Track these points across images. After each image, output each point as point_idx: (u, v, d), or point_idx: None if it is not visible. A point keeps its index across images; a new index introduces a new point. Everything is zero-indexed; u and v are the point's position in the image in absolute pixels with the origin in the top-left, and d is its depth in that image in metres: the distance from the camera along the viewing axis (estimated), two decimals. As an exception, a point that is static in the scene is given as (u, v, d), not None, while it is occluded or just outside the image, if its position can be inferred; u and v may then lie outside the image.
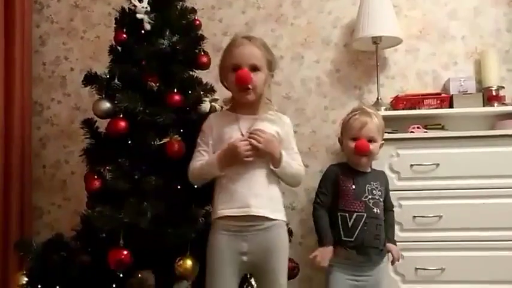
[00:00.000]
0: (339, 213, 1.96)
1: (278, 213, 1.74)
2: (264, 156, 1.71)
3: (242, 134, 1.73)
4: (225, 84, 1.82)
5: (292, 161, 1.78)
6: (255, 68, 1.74)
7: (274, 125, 1.79)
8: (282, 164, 1.73)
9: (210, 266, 1.70)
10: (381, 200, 2.01)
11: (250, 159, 1.68)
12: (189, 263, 1.78)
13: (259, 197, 1.69)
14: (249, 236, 1.68)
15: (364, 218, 1.92)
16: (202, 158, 1.76)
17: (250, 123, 1.76)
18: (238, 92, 1.75)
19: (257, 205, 1.68)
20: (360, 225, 1.92)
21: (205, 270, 1.73)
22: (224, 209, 1.70)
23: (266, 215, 1.69)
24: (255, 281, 1.79)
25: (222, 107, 2.04)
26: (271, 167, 1.73)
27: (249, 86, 1.72)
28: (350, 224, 1.92)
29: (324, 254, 1.92)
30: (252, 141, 1.68)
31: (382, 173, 2.12)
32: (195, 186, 1.82)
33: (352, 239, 1.91)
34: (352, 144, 1.97)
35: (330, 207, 2.01)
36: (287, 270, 1.76)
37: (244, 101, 1.76)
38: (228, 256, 1.68)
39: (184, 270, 1.78)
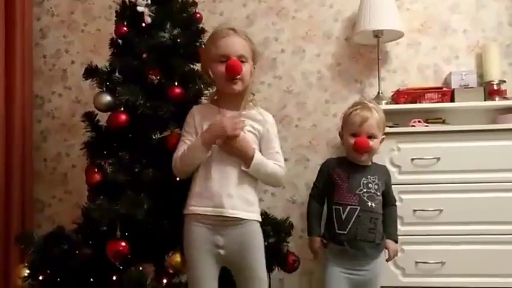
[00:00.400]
0: (333, 206, 1.96)
1: (251, 214, 1.72)
2: (234, 153, 1.69)
3: None
4: (209, 75, 1.79)
5: (269, 161, 1.75)
6: (242, 59, 1.73)
7: (255, 123, 1.77)
8: (253, 164, 1.69)
9: (189, 257, 1.71)
10: (378, 194, 1.99)
11: (237, 132, 1.67)
12: (177, 256, 1.78)
13: (233, 197, 1.68)
14: (223, 231, 1.68)
15: (357, 211, 1.92)
16: (185, 145, 1.74)
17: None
18: (225, 82, 1.72)
19: (231, 206, 1.67)
20: (353, 218, 1.91)
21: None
22: (196, 206, 1.69)
23: (239, 216, 1.68)
24: (234, 277, 1.76)
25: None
26: (242, 168, 1.70)
27: (238, 76, 1.70)
28: (343, 217, 1.92)
29: (311, 245, 2.02)
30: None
31: (383, 167, 2.11)
32: (179, 177, 1.79)
33: (345, 232, 1.91)
34: (352, 140, 1.96)
35: (327, 201, 2.03)
36: (284, 263, 1.77)
37: (231, 91, 1.73)
38: (205, 247, 1.67)
39: (176, 262, 1.78)
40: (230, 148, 1.69)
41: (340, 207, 1.94)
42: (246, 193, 1.72)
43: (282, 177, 1.81)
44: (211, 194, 1.67)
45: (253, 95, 1.85)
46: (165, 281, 1.80)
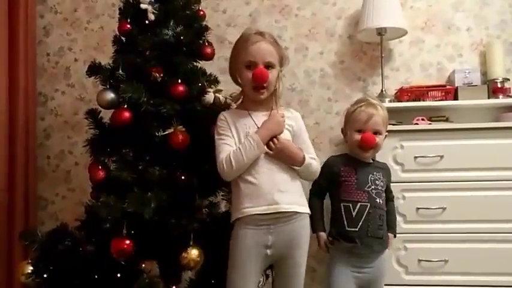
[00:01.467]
0: (342, 204, 1.96)
1: (304, 207, 1.77)
2: (283, 160, 1.74)
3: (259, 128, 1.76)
4: (237, 79, 1.83)
5: (314, 162, 1.81)
6: (269, 66, 1.76)
7: (288, 120, 1.81)
8: (304, 165, 1.75)
9: (235, 261, 1.71)
10: (383, 190, 2.02)
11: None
12: (194, 253, 1.78)
13: (285, 192, 1.70)
14: (274, 229, 1.69)
15: (368, 208, 1.93)
16: (230, 148, 1.73)
17: (264, 120, 1.78)
18: (252, 90, 1.77)
19: (285, 201, 1.69)
20: (364, 215, 1.92)
21: (228, 264, 1.74)
22: (250, 207, 1.69)
23: (295, 210, 1.71)
24: (276, 272, 1.79)
25: (226, 98, 2.04)
26: (293, 167, 1.76)
27: (264, 84, 1.74)
28: (354, 214, 1.93)
29: (319, 241, 2.04)
30: (271, 147, 1.72)
31: (385, 164, 2.12)
32: (227, 180, 1.79)
33: (357, 229, 1.92)
34: (358, 137, 1.96)
35: (332, 198, 2.03)
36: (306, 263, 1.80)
37: (256, 99, 1.78)
38: (254, 251, 1.69)
39: (190, 260, 1.79)
40: (282, 156, 1.73)
41: (350, 204, 1.94)
42: (295, 187, 1.77)
43: (319, 170, 1.87)
44: (262, 193, 1.68)
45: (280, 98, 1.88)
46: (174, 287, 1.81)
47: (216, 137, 1.79)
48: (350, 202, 1.94)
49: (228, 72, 1.92)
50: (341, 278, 1.94)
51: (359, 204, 1.93)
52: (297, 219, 1.73)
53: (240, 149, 1.70)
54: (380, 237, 1.95)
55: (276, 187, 1.69)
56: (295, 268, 1.74)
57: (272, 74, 1.76)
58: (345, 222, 1.94)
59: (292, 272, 1.73)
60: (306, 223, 1.77)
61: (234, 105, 1.96)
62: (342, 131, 2.10)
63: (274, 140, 1.72)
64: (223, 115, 1.82)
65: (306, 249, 1.77)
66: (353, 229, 1.92)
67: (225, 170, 1.71)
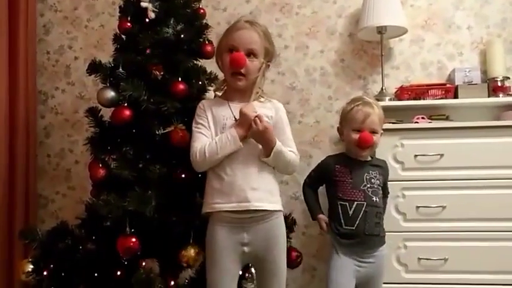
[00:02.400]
0: (338, 203, 1.97)
1: (276, 204, 1.73)
2: (261, 142, 1.68)
3: (236, 120, 1.71)
4: (219, 65, 1.81)
5: (287, 151, 1.74)
6: (251, 54, 1.72)
7: (267, 110, 1.77)
8: (273, 153, 1.67)
9: (211, 257, 1.69)
10: (380, 188, 2.02)
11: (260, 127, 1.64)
12: (192, 251, 1.79)
13: (257, 190, 1.67)
14: (249, 227, 1.68)
15: (364, 206, 1.94)
16: (206, 139, 1.70)
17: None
18: (230, 76, 1.74)
19: (256, 198, 1.66)
20: (361, 214, 1.93)
21: (206, 261, 1.73)
22: (221, 203, 1.66)
23: (265, 208, 1.68)
24: (255, 270, 1.79)
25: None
26: (261, 158, 1.69)
27: (242, 71, 1.69)
28: (351, 213, 1.94)
29: (320, 224, 2.06)
30: (256, 122, 1.65)
31: (383, 161, 2.12)
32: (199, 174, 1.77)
33: (354, 228, 1.93)
34: (355, 136, 1.97)
35: (329, 197, 2.05)
36: (286, 259, 1.78)
37: (234, 86, 1.74)
38: (230, 247, 1.67)
39: (188, 258, 1.79)
40: (258, 137, 1.67)
41: (347, 203, 1.95)
42: (269, 184, 1.73)
43: (297, 164, 1.81)
44: (234, 190, 1.65)
45: (262, 90, 1.82)
46: (172, 283, 1.80)
47: (193, 125, 1.77)
48: (346, 201, 1.95)
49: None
50: (340, 267, 1.94)
51: (355, 203, 1.94)
52: (272, 217, 1.70)
53: (216, 143, 1.66)
54: (377, 234, 1.96)
55: (249, 184, 1.66)
56: (274, 265, 1.71)
57: (253, 64, 1.71)
58: (342, 221, 1.95)
59: (272, 270, 1.71)
60: (281, 221, 1.75)
61: (218, 94, 1.90)
62: (338, 129, 2.10)
63: (257, 119, 1.65)
64: (203, 104, 1.79)
65: (284, 246, 1.75)
66: (350, 227, 1.93)
67: (198, 161, 1.68)
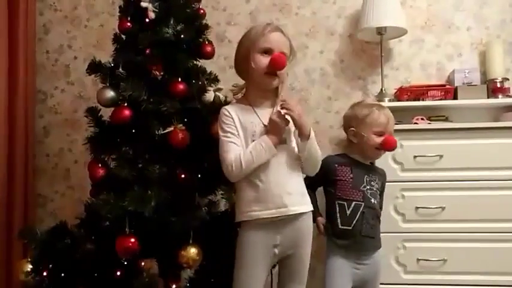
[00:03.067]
0: (336, 202, 1.97)
1: (308, 205, 1.77)
2: (297, 127, 1.69)
3: (265, 126, 1.71)
4: (244, 69, 1.77)
5: (317, 145, 1.77)
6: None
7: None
8: (311, 139, 1.70)
9: (243, 261, 1.70)
10: (378, 192, 2.02)
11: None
12: (192, 251, 1.79)
13: (292, 194, 1.70)
14: (281, 228, 1.69)
15: (362, 207, 1.94)
16: (239, 149, 1.68)
17: (269, 115, 1.72)
18: (264, 76, 1.71)
19: (292, 203, 1.69)
20: (358, 214, 1.93)
21: (235, 264, 1.73)
22: (258, 210, 1.67)
23: (301, 211, 1.71)
24: (281, 268, 1.79)
25: (226, 97, 2.03)
26: (299, 141, 1.69)
27: (277, 72, 1.70)
28: (348, 213, 1.94)
29: (318, 227, 2.06)
30: (285, 111, 1.67)
31: (382, 170, 2.12)
32: (232, 181, 1.74)
33: (350, 228, 1.93)
34: (378, 139, 1.97)
35: (327, 196, 2.04)
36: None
37: (267, 86, 1.73)
38: (262, 251, 1.68)
39: (188, 258, 1.79)
40: (300, 120, 1.68)
41: (345, 203, 1.95)
42: (300, 186, 1.76)
43: (321, 160, 1.82)
44: (270, 196, 1.66)
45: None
46: (174, 286, 1.81)
47: (221, 133, 1.73)
48: (345, 200, 1.96)
49: (228, 69, 1.89)
50: (338, 269, 1.94)
51: (353, 202, 1.94)
52: (303, 218, 1.73)
53: (250, 152, 1.65)
54: (373, 236, 1.96)
55: (284, 189, 1.68)
56: (300, 264, 1.75)
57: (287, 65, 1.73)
58: (339, 220, 1.95)
59: (298, 268, 1.75)
60: (310, 221, 1.78)
61: (233, 100, 1.90)
62: (349, 131, 2.07)
63: (289, 103, 1.68)
64: (227, 110, 1.75)
65: (310, 245, 1.79)
66: (346, 227, 1.93)
67: (234, 172, 1.66)
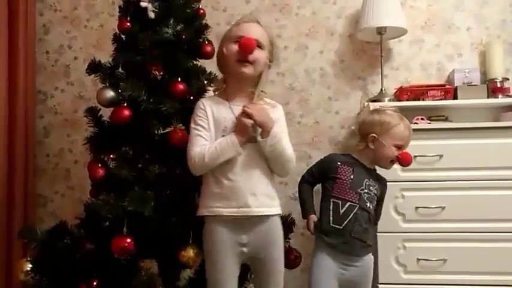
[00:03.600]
0: (332, 200, 1.95)
1: (275, 208, 1.74)
2: (258, 126, 1.66)
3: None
4: (223, 64, 1.76)
5: (287, 145, 1.72)
6: (258, 45, 1.69)
7: (269, 109, 1.76)
8: (271, 136, 1.64)
9: (212, 258, 1.69)
10: (375, 198, 1.99)
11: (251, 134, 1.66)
12: (191, 251, 1.79)
13: (257, 195, 1.67)
14: (248, 229, 1.68)
15: (356, 208, 1.91)
16: (205, 143, 1.68)
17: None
18: (236, 63, 1.68)
19: (256, 204, 1.66)
20: (351, 215, 1.90)
21: (205, 261, 1.72)
22: (220, 207, 1.65)
23: (265, 214, 1.69)
24: (254, 272, 1.78)
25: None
26: (259, 139, 1.65)
27: (249, 58, 1.66)
28: (341, 212, 1.91)
29: (309, 224, 2.04)
30: (244, 117, 1.65)
31: (384, 179, 2.07)
32: (194, 174, 1.74)
33: (341, 227, 1.90)
34: (396, 152, 1.94)
35: (323, 193, 2.01)
36: (286, 259, 1.79)
37: (239, 74, 1.69)
38: (229, 247, 1.67)
39: (188, 258, 1.79)
40: (261, 115, 1.66)
41: (340, 202, 1.93)
42: (268, 188, 1.72)
43: (294, 164, 1.77)
44: (234, 195, 1.65)
45: (265, 93, 1.80)
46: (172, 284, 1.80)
47: (192, 125, 1.72)
48: (340, 200, 1.93)
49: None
50: (324, 270, 1.92)
51: (348, 203, 1.92)
52: (269, 221, 1.70)
53: (215, 148, 1.64)
54: (364, 240, 1.93)
55: (250, 190, 1.65)
56: (273, 265, 1.72)
57: (260, 54, 1.69)
58: (331, 218, 1.92)
59: (271, 270, 1.72)
60: (279, 223, 1.75)
61: (216, 93, 1.87)
62: (369, 137, 1.98)
63: (247, 106, 1.66)
64: (203, 103, 1.74)
65: (282, 247, 1.76)
66: (337, 226, 1.90)
67: (197, 164, 1.66)
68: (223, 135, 1.68)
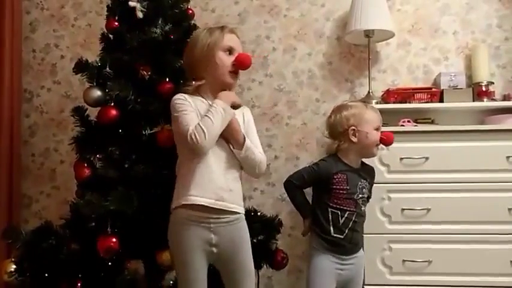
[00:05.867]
0: (330, 209, 1.95)
1: (243, 208, 1.76)
2: (228, 134, 1.69)
3: None
4: (202, 67, 1.74)
5: (257, 151, 1.76)
6: None
7: (239, 111, 1.79)
8: (245, 147, 1.69)
9: (182, 257, 1.66)
10: (368, 197, 2.03)
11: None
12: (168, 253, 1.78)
13: (233, 191, 1.70)
14: (215, 228, 1.66)
15: (354, 216, 1.93)
16: (198, 119, 1.65)
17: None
18: (227, 73, 1.73)
19: (231, 200, 1.68)
20: (351, 223, 1.93)
21: (174, 261, 1.70)
22: (198, 196, 1.64)
23: (237, 211, 1.71)
24: (224, 274, 1.74)
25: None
26: (234, 150, 1.70)
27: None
28: (341, 222, 1.93)
29: (306, 226, 2.04)
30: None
31: (372, 168, 2.11)
32: (200, 153, 1.64)
33: (342, 237, 1.92)
34: (378, 135, 1.98)
35: (320, 202, 2.01)
36: (272, 260, 1.78)
37: (228, 84, 1.74)
38: (199, 246, 1.65)
39: (166, 260, 1.78)
40: (229, 128, 1.69)
41: (339, 212, 1.93)
42: (239, 187, 1.75)
43: (265, 165, 1.80)
44: (214, 187, 1.65)
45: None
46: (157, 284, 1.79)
47: (174, 114, 1.68)
48: (339, 210, 1.94)
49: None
50: (322, 271, 1.93)
51: (347, 212, 1.93)
52: (238, 219, 1.72)
53: (207, 116, 1.62)
54: (358, 242, 1.98)
55: (228, 186, 1.68)
56: (243, 266, 1.72)
57: None
58: (331, 228, 1.93)
59: (239, 270, 1.71)
60: (244, 224, 1.76)
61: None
62: (349, 131, 1.98)
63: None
64: (183, 95, 1.72)
65: (249, 248, 1.76)
66: (339, 236, 1.92)
67: (199, 140, 1.59)
68: None
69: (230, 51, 1.74)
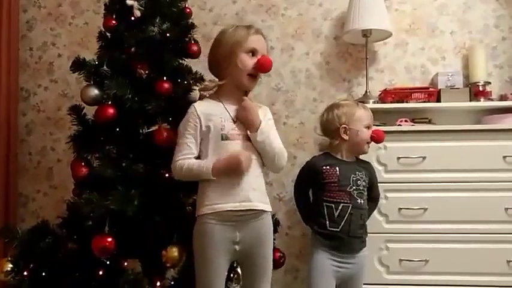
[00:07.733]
0: (324, 204, 1.98)
1: (269, 205, 1.78)
2: (243, 117, 1.73)
3: (234, 121, 1.73)
4: (224, 67, 1.76)
5: (274, 138, 1.78)
6: None
7: (259, 110, 1.79)
8: (260, 132, 1.71)
9: (202, 255, 1.68)
10: (365, 190, 2.04)
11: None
12: (175, 251, 1.78)
13: (256, 190, 1.71)
14: (241, 226, 1.68)
15: (349, 208, 1.95)
16: (190, 153, 1.71)
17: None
18: (247, 77, 1.74)
19: (256, 199, 1.70)
20: (346, 215, 1.95)
21: (194, 259, 1.72)
22: (222, 203, 1.66)
23: (263, 209, 1.72)
24: (243, 268, 1.79)
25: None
26: (249, 133, 1.72)
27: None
28: (336, 215, 1.95)
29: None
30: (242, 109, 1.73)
31: (368, 163, 2.14)
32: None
33: (338, 230, 1.94)
34: (368, 133, 2.03)
35: (315, 196, 2.05)
36: (273, 259, 1.79)
37: (247, 87, 1.77)
38: (222, 245, 1.67)
39: (170, 258, 1.78)
40: (241, 116, 1.73)
41: (333, 205, 1.96)
42: (263, 186, 1.78)
43: (285, 159, 1.82)
44: (236, 190, 1.67)
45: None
46: (158, 283, 1.79)
47: (181, 129, 1.75)
48: (332, 203, 1.97)
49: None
50: (321, 266, 1.95)
51: (341, 204, 1.96)
52: (263, 216, 1.73)
53: (193, 168, 1.69)
54: (360, 236, 1.99)
55: (250, 186, 1.70)
56: (265, 261, 1.74)
57: None
58: (327, 222, 1.96)
59: (262, 265, 1.74)
60: (270, 220, 1.78)
61: (206, 95, 1.88)
62: (340, 129, 2.04)
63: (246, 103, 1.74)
64: (195, 108, 1.75)
65: (272, 244, 1.79)
66: (335, 229, 1.95)
67: (176, 171, 1.72)
68: (222, 134, 1.71)
69: (253, 52, 1.74)
